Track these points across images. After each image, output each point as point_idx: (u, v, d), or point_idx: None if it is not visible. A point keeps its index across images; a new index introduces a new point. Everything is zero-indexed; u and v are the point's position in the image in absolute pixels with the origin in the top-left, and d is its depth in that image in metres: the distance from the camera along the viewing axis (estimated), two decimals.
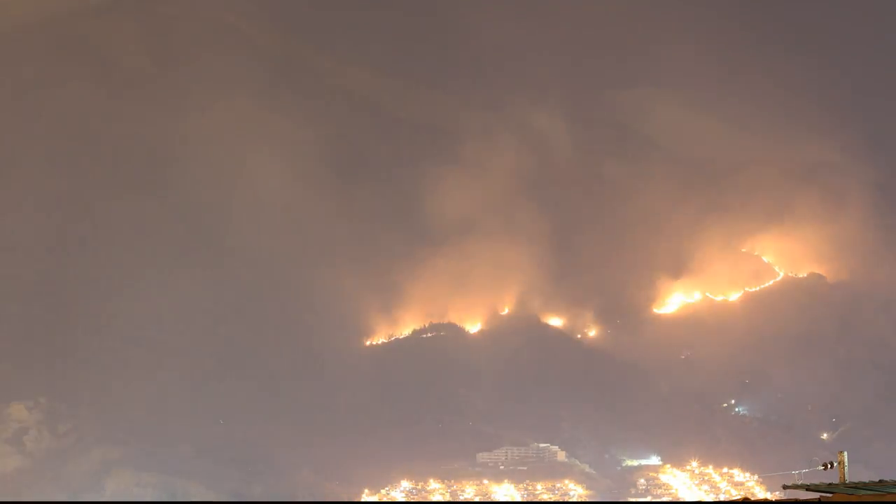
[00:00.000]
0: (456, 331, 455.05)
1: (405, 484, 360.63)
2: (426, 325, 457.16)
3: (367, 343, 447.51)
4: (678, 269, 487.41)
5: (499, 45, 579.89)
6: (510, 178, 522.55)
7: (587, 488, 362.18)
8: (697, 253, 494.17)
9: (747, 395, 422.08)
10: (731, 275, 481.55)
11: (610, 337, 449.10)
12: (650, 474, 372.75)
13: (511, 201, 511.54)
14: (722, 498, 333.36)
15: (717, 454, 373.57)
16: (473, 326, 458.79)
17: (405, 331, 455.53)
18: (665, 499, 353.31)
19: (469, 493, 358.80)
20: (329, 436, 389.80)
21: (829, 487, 70.42)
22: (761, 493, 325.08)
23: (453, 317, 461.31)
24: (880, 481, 69.81)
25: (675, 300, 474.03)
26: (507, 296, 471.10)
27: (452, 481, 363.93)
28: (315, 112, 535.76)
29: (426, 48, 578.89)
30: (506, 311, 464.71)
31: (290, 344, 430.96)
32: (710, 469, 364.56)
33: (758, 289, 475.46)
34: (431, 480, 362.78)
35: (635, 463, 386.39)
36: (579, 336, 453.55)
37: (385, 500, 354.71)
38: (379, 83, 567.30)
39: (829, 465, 74.52)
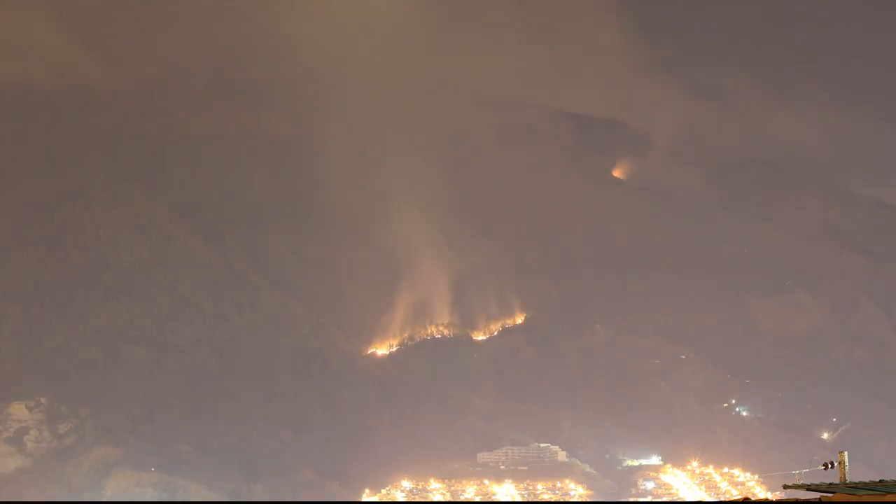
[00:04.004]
0: (457, 331, 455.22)
1: (406, 484, 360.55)
2: (427, 327, 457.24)
3: (370, 350, 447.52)
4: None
5: None
6: (509, 186, 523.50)
7: (588, 488, 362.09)
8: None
9: (748, 394, 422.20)
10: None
11: (610, 337, 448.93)
12: (651, 474, 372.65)
13: (510, 208, 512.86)
14: (722, 498, 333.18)
15: (717, 454, 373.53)
16: (475, 329, 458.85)
17: (407, 333, 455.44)
18: (665, 499, 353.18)
19: (470, 492, 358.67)
20: (330, 435, 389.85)
21: (829, 487, 70.31)
22: (762, 493, 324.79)
23: (455, 319, 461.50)
24: (881, 481, 69.70)
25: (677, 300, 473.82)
26: (506, 299, 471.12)
27: (453, 481, 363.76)
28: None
29: None
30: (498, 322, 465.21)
31: (291, 344, 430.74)
32: (710, 469, 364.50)
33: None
34: (432, 480, 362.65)
35: (636, 463, 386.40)
36: (579, 336, 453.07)
37: (386, 499, 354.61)
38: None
39: (829, 465, 74.36)
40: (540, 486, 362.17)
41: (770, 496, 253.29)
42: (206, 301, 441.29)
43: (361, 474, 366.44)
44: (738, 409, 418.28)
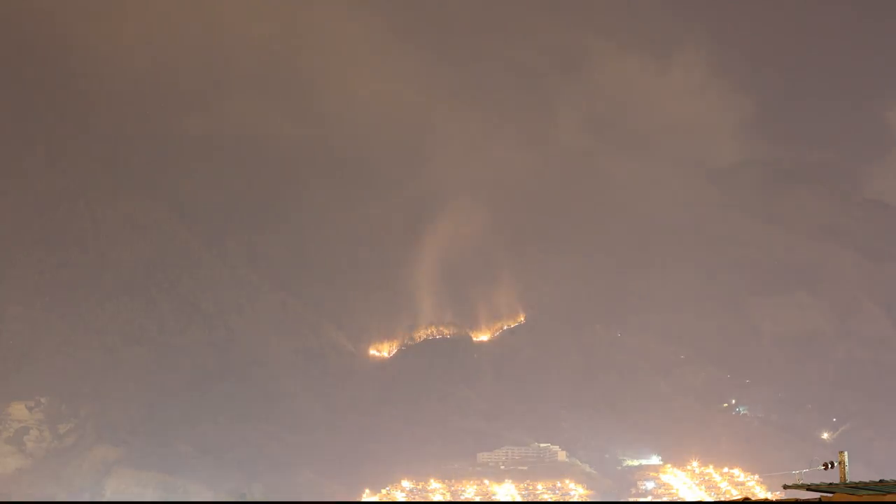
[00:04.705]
0: (457, 331, 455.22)
1: (406, 484, 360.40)
2: (428, 328, 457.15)
3: (371, 350, 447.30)
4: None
5: None
6: (508, 188, 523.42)
7: (588, 488, 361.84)
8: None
9: (748, 394, 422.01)
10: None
11: (610, 337, 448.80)
12: (651, 474, 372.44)
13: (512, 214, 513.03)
14: (722, 498, 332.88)
15: (717, 454, 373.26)
16: (475, 330, 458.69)
17: (407, 333, 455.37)
18: (665, 499, 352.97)
19: (470, 492, 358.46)
20: (330, 435, 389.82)
21: (829, 487, 70.34)
22: (762, 493, 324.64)
23: (455, 320, 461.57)
24: (881, 481, 69.72)
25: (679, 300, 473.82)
26: (506, 299, 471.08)
27: (453, 481, 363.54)
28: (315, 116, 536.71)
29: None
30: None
31: (291, 344, 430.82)
32: (710, 469, 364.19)
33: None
34: (432, 480, 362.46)
35: (636, 463, 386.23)
36: (579, 337, 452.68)
37: (386, 499, 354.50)
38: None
39: (829, 465, 74.42)
40: (540, 486, 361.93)
41: (770, 496, 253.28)
42: (206, 301, 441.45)
43: (361, 474, 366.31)
44: (738, 409, 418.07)
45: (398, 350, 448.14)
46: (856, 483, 69.88)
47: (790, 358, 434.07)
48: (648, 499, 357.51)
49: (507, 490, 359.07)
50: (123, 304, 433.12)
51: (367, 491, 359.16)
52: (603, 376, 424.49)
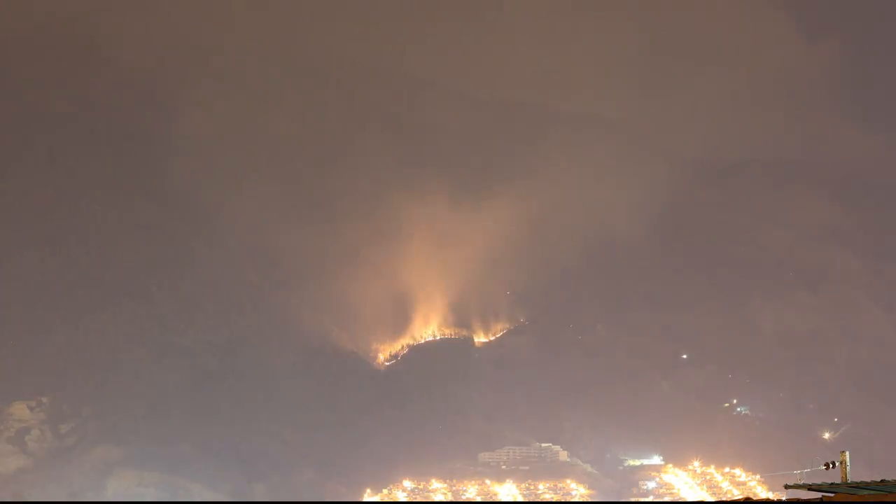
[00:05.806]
0: (458, 331, 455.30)
1: (407, 483, 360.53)
2: (429, 328, 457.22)
3: (372, 350, 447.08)
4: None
5: None
6: (506, 186, 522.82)
7: (589, 488, 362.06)
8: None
9: (749, 394, 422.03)
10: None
11: (611, 337, 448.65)
12: (652, 474, 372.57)
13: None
14: (724, 498, 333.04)
15: (718, 454, 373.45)
16: (476, 329, 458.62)
17: (409, 333, 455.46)
18: (667, 499, 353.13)
19: (471, 492, 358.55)
20: (331, 435, 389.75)
21: (831, 487, 70.32)
22: (763, 493, 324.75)
23: (457, 319, 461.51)
24: (882, 481, 69.69)
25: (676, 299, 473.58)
26: (507, 300, 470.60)
27: (454, 481, 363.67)
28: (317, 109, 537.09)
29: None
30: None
31: (292, 344, 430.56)
32: (711, 469, 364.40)
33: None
34: (433, 480, 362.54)
35: (637, 462, 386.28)
36: (580, 336, 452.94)
37: (387, 499, 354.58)
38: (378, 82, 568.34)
39: (831, 465, 74.41)
40: (541, 486, 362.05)
41: (772, 496, 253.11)
42: (207, 301, 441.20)
43: (363, 474, 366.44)
44: (739, 409, 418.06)
45: (400, 350, 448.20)
46: (857, 483, 69.86)
47: (791, 358, 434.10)
48: (650, 498, 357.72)
49: (508, 490, 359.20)
50: (124, 304, 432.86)
51: (368, 491, 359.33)
52: (603, 376, 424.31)
